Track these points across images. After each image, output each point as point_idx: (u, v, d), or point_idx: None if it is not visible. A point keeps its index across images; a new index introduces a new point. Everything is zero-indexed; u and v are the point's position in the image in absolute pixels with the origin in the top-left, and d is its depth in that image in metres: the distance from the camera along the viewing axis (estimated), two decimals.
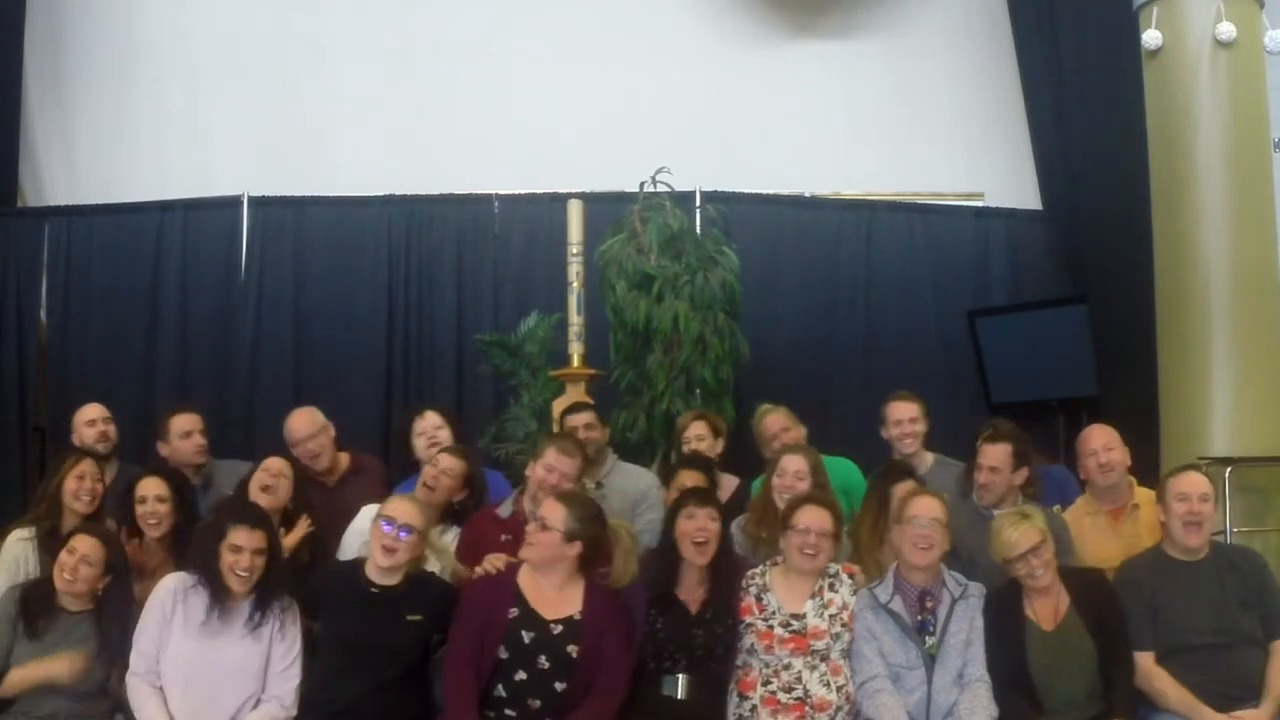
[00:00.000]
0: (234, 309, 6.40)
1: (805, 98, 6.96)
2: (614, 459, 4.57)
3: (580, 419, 4.49)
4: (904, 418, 4.52)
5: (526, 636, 3.38)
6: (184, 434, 4.53)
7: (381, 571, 3.48)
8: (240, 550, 3.40)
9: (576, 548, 3.45)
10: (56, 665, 3.44)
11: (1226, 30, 5.33)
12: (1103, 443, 4.05)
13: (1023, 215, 6.72)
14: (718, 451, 4.59)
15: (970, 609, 3.57)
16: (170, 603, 3.43)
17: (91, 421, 4.61)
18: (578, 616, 3.43)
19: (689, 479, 4.11)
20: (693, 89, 6.86)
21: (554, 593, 3.45)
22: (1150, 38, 5.51)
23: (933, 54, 7.03)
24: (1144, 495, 4.07)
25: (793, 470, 4.00)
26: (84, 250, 6.42)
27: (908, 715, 3.44)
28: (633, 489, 4.38)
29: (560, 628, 3.40)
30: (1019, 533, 3.52)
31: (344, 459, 4.58)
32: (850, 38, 7.10)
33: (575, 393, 5.19)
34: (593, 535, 3.49)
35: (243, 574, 3.40)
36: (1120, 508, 4.02)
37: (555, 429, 4.72)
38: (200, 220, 6.46)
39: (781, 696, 3.46)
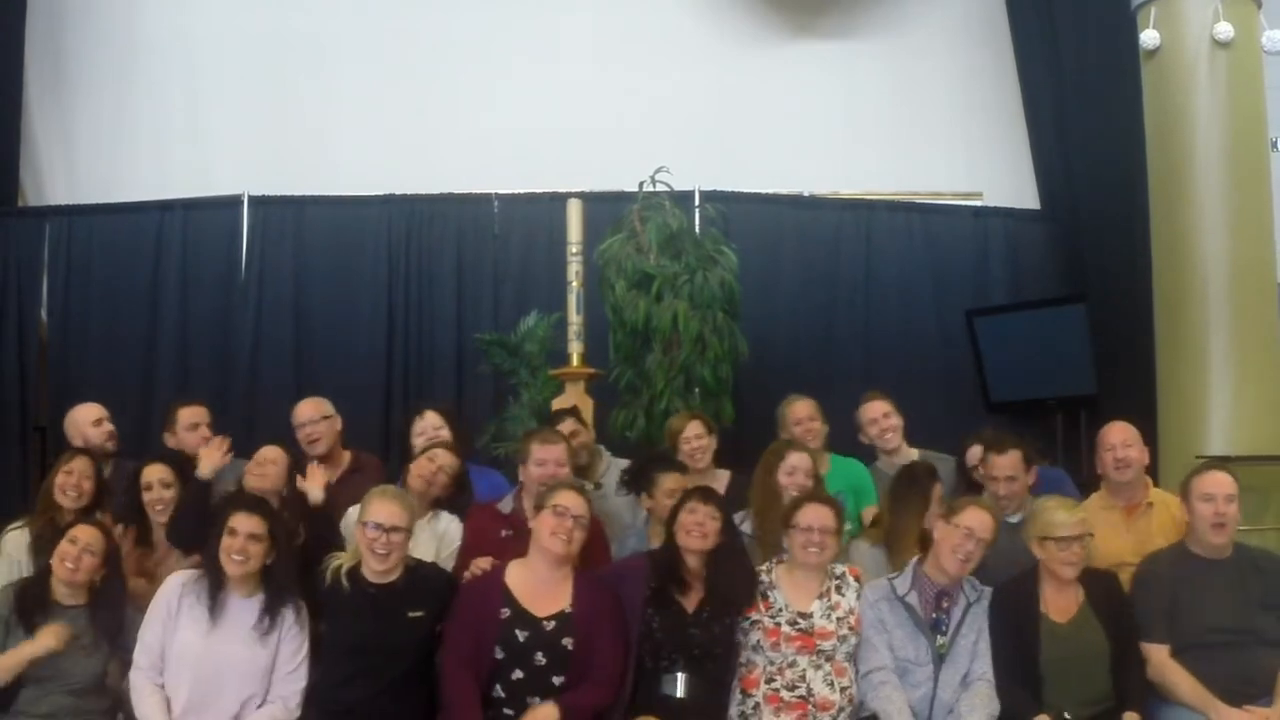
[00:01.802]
0: (234, 309, 6.40)
1: (805, 98, 6.97)
2: (609, 457, 4.60)
3: (564, 428, 4.48)
4: (877, 415, 4.57)
5: (521, 635, 3.40)
6: (191, 426, 4.56)
7: (377, 571, 3.48)
8: (235, 534, 3.39)
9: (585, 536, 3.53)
10: (43, 639, 3.42)
11: (1224, 30, 5.35)
12: (1121, 439, 4.06)
13: (1021, 215, 6.73)
14: (713, 450, 4.56)
15: (982, 611, 3.59)
16: (175, 599, 3.42)
17: (98, 421, 4.62)
18: (569, 610, 3.45)
19: (670, 483, 3.98)
20: (693, 89, 6.86)
21: (544, 588, 3.48)
22: (1148, 38, 5.52)
23: (932, 54, 7.04)
24: (1159, 495, 4.10)
25: (804, 468, 4.01)
26: (84, 250, 6.43)
27: (911, 710, 3.45)
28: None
29: (553, 623, 3.43)
30: (1073, 517, 3.56)
31: (346, 456, 4.61)
32: (850, 38, 7.11)
33: (575, 392, 5.20)
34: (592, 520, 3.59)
35: (237, 558, 3.38)
36: (1135, 505, 4.04)
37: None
38: (200, 220, 6.47)
39: (785, 694, 3.47)
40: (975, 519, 3.55)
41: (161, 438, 4.66)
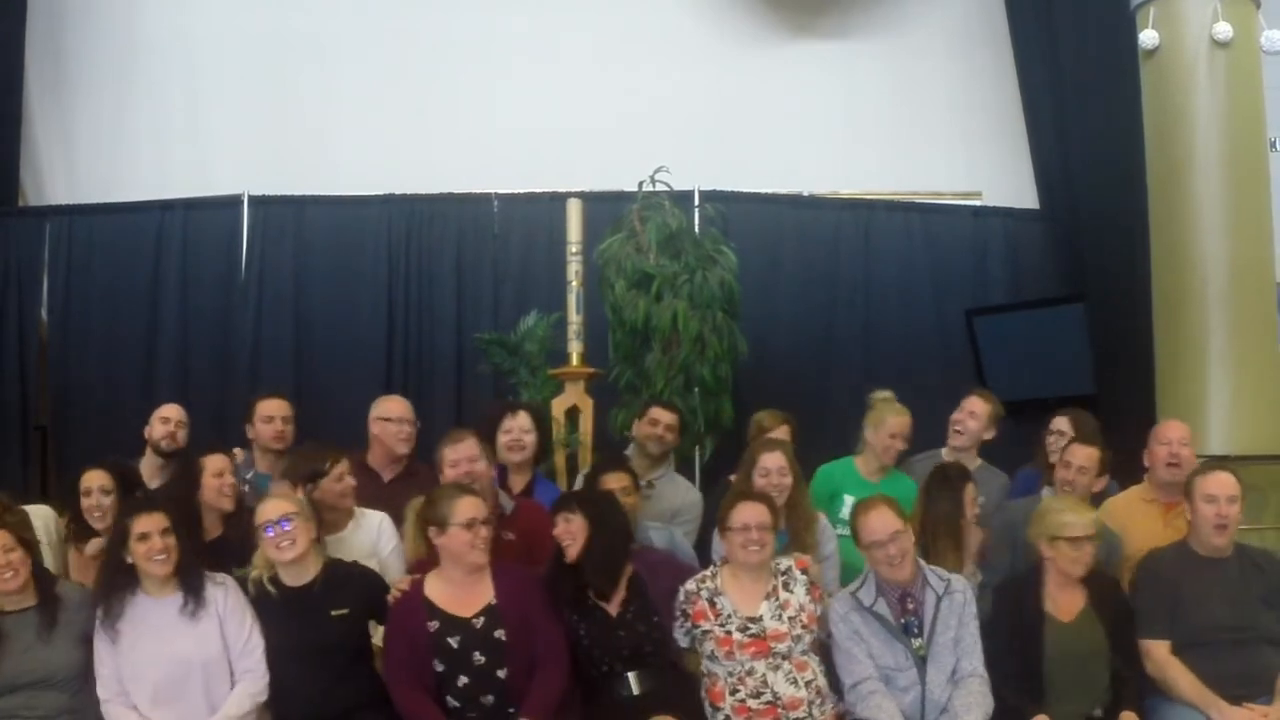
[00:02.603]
0: (234, 309, 6.41)
1: (805, 98, 6.97)
2: (670, 468, 4.64)
3: (666, 417, 4.56)
4: (965, 407, 4.63)
5: (454, 642, 3.42)
6: (266, 419, 4.60)
7: (292, 571, 3.50)
8: (148, 536, 3.39)
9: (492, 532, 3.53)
10: None
11: (1223, 30, 5.36)
12: (1179, 436, 4.13)
13: (1021, 214, 6.73)
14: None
15: (956, 605, 3.56)
16: (108, 625, 3.42)
17: (165, 419, 4.64)
18: (494, 601, 3.47)
19: (612, 482, 4.03)
20: (693, 89, 6.87)
21: (464, 591, 3.48)
22: (1147, 38, 5.54)
23: (931, 54, 7.05)
24: None
25: (776, 467, 4.00)
26: (85, 249, 6.43)
27: (903, 716, 3.44)
28: (676, 501, 4.47)
29: (481, 619, 3.45)
30: (1084, 518, 3.57)
31: (404, 459, 4.59)
32: (849, 38, 7.11)
33: (574, 391, 5.21)
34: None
35: (160, 558, 3.39)
36: (1175, 502, 4.05)
37: (639, 414, 4.74)
38: (200, 220, 6.47)
39: (751, 703, 3.46)
40: (877, 528, 3.52)
41: (243, 429, 4.74)
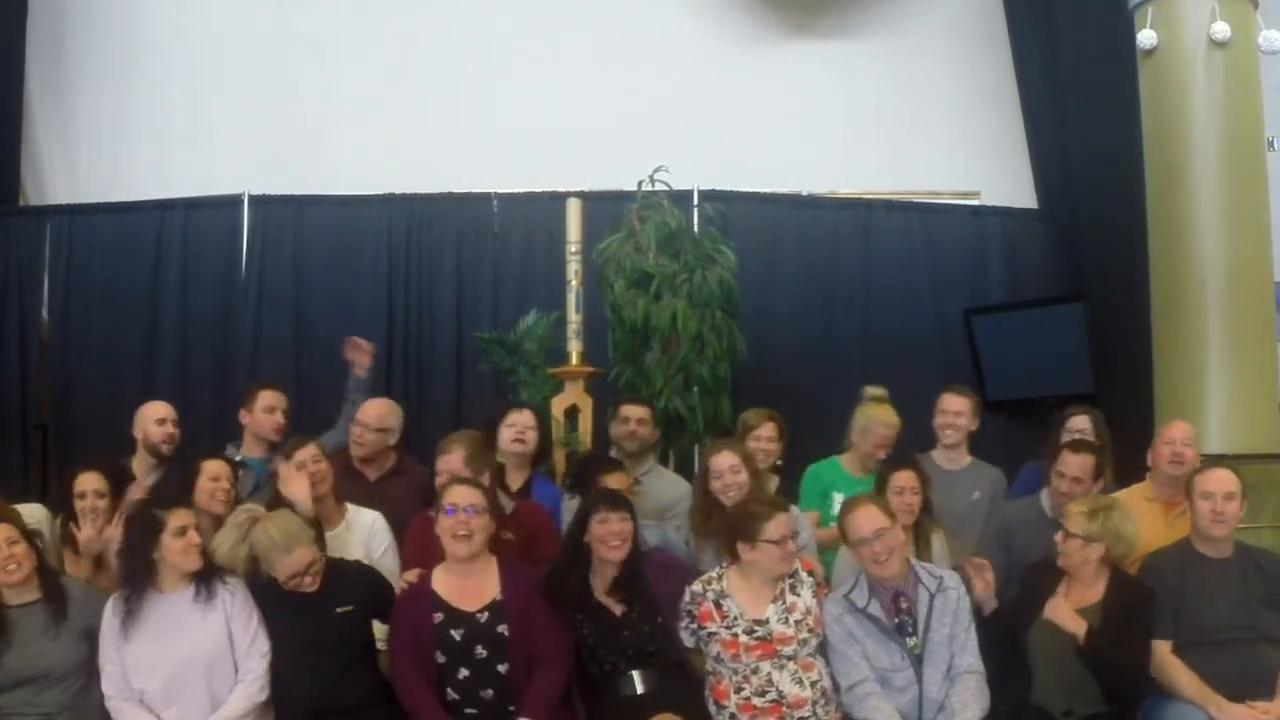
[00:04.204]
0: (234, 308, 6.42)
1: (804, 98, 6.98)
2: (654, 462, 4.65)
3: (636, 412, 4.58)
4: (950, 409, 4.63)
5: (456, 634, 3.45)
6: (268, 409, 4.65)
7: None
8: (185, 530, 3.43)
9: (492, 524, 3.55)
10: None
11: (1221, 30, 5.37)
12: (1183, 436, 4.16)
13: (1019, 214, 6.74)
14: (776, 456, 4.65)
15: (950, 601, 3.57)
16: (116, 622, 3.43)
17: (161, 420, 4.60)
18: (499, 597, 3.51)
19: (614, 483, 4.03)
20: (692, 89, 6.87)
21: (470, 584, 3.52)
22: (1145, 37, 5.54)
23: (930, 54, 7.06)
24: None
25: (727, 466, 4.01)
26: (85, 249, 6.44)
27: (900, 716, 3.45)
28: (666, 495, 4.47)
29: (486, 614, 3.48)
30: (1073, 519, 3.61)
31: (392, 457, 4.62)
32: (849, 38, 7.12)
33: (574, 390, 5.21)
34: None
35: (195, 551, 3.43)
36: (1176, 502, 4.09)
37: (611, 416, 4.78)
38: (200, 219, 6.48)
39: (756, 701, 3.48)
40: (863, 525, 3.53)
41: (236, 414, 4.78)
